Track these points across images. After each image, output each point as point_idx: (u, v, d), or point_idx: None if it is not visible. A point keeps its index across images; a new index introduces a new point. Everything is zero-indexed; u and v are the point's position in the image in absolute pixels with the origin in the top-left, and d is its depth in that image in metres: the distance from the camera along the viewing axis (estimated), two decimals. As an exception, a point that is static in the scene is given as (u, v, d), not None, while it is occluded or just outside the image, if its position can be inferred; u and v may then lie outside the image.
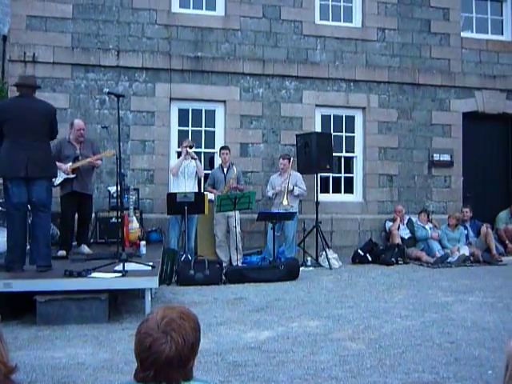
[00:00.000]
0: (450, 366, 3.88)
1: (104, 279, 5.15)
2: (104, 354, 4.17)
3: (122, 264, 5.33)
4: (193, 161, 7.90)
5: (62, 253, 6.61)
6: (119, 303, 5.70)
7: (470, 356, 4.09)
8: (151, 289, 5.29)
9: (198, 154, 8.82)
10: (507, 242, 9.79)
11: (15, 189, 5.34)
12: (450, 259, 8.87)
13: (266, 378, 3.66)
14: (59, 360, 4.02)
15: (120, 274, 5.21)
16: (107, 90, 6.56)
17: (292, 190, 8.39)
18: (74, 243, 7.13)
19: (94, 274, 5.23)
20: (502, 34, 10.80)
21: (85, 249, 6.97)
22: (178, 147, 8.71)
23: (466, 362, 3.95)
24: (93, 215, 7.76)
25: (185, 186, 7.86)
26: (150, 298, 5.18)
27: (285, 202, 8.23)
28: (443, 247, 9.21)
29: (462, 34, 10.43)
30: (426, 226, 9.42)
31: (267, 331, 4.83)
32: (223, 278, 7.15)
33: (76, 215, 7.06)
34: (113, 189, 8.12)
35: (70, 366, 3.88)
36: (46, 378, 3.62)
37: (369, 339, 4.57)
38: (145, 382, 1.55)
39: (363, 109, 9.89)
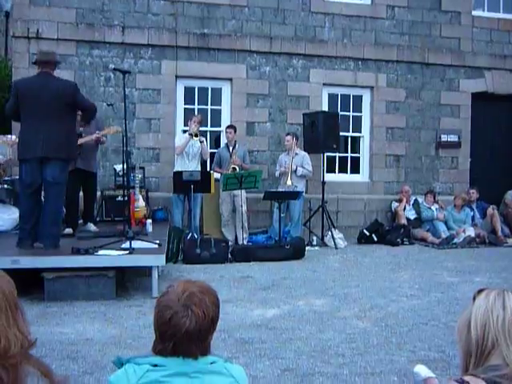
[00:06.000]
0: (455, 345, 3.85)
1: (111, 256, 5.16)
2: (112, 330, 4.21)
3: (128, 242, 5.34)
4: (198, 141, 7.83)
5: (69, 230, 6.61)
6: (126, 281, 5.73)
7: (476, 335, 4.09)
8: (158, 266, 5.30)
9: (204, 132, 8.77)
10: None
11: (28, 167, 5.33)
12: (455, 240, 8.86)
13: (273, 355, 3.68)
14: (68, 336, 4.05)
15: (127, 252, 5.22)
16: (113, 66, 6.47)
17: (295, 171, 8.34)
18: (80, 221, 7.14)
19: (101, 252, 5.24)
20: (514, 12, 10.61)
21: (91, 227, 6.99)
22: (184, 125, 8.66)
23: (473, 342, 3.96)
24: (99, 193, 7.77)
25: (188, 166, 7.82)
26: (156, 276, 5.20)
27: (288, 182, 8.20)
28: (449, 228, 9.19)
29: (474, 13, 10.24)
30: (432, 207, 9.39)
31: (274, 309, 4.85)
32: (229, 256, 7.17)
33: (81, 193, 7.07)
34: (118, 167, 8.10)
35: (78, 342, 3.92)
36: (55, 354, 3.65)
37: (375, 318, 4.59)
38: (163, 355, 1.56)
39: (371, 88, 9.78)
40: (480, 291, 1.49)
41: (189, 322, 1.52)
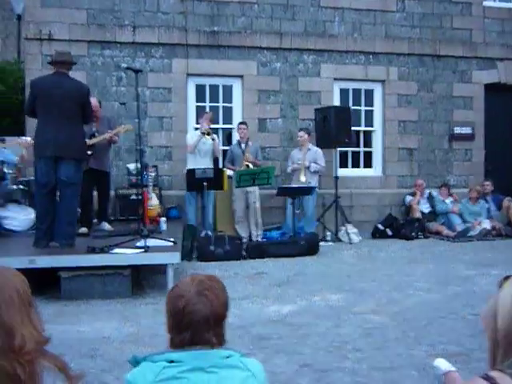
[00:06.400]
0: (475, 338, 3.85)
1: (127, 255, 5.19)
2: (129, 328, 4.23)
3: (143, 240, 5.37)
4: (209, 138, 7.82)
5: (84, 230, 6.66)
6: (141, 279, 5.75)
7: (495, 328, 4.05)
8: (173, 264, 5.32)
9: (216, 130, 8.78)
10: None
11: (43, 166, 5.39)
12: (471, 233, 8.78)
13: (290, 350, 3.68)
14: (85, 334, 4.08)
15: (142, 250, 5.25)
16: (125, 65, 6.50)
17: (309, 167, 8.32)
18: (95, 220, 7.18)
19: (116, 250, 5.27)
20: (526, 1, 10.46)
21: (106, 226, 7.03)
22: (196, 123, 8.66)
23: (492, 335, 3.92)
24: (112, 192, 7.80)
25: (200, 163, 7.81)
26: (172, 274, 5.21)
27: (302, 179, 8.19)
28: (464, 221, 9.11)
29: (485, 3, 10.11)
30: (447, 200, 9.31)
31: (290, 305, 4.84)
32: (243, 253, 7.17)
33: (95, 193, 7.11)
34: (132, 166, 8.14)
35: (96, 340, 3.94)
36: (73, 352, 3.67)
37: (392, 312, 4.57)
38: (181, 347, 1.56)
39: (382, 82, 9.71)
40: (507, 278, 1.44)
41: (204, 308, 1.55)
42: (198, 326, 1.55)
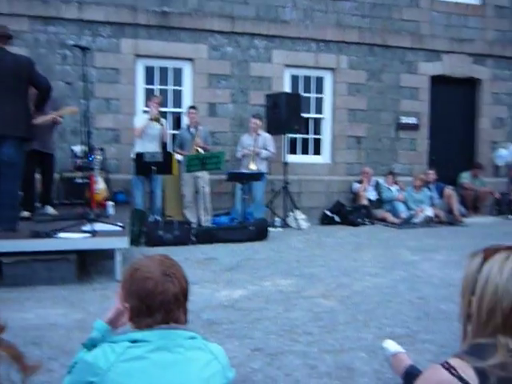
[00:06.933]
0: (420, 321, 3.99)
1: (73, 239, 5.02)
2: (76, 315, 4.10)
3: (90, 224, 5.21)
4: (157, 123, 7.64)
5: (26, 214, 6.39)
6: (88, 264, 5.59)
7: (438, 310, 4.22)
8: (121, 249, 5.20)
9: (165, 113, 8.61)
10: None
11: None
12: (414, 220, 9.08)
13: (241, 335, 3.68)
14: (30, 321, 3.93)
15: (89, 235, 5.09)
16: (72, 42, 6.25)
17: (258, 153, 8.33)
18: (38, 204, 6.91)
19: (61, 235, 5.09)
20: (471, -4, 10.81)
21: (49, 210, 6.79)
22: (145, 106, 8.46)
23: (435, 316, 4.08)
24: (56, 175, 7.53)
25: (148, 147, 7.64)
26: (120, 259, 5.09)
27: (253, 167, 8.20)
28: (408, 208, 9.40)
29: (432, -4, 10.40)
30: (392, 188, 9.57)
31: (240, 290, 4.84)
32: (192, 238, 7.11)
33: (38, 175, 6.84)
34: (77, 148, 7.88)
35: (41, 327, 3.80)
36: (17, 340, 3.47)
37: (341, 296, 4.65)
38: (151, 327, 1.53)
39: (333, 70, 9.81)
40: (495, 250, 1.40)
41: (173, 286, 1.56)
42: (169, 305, 1.55)
